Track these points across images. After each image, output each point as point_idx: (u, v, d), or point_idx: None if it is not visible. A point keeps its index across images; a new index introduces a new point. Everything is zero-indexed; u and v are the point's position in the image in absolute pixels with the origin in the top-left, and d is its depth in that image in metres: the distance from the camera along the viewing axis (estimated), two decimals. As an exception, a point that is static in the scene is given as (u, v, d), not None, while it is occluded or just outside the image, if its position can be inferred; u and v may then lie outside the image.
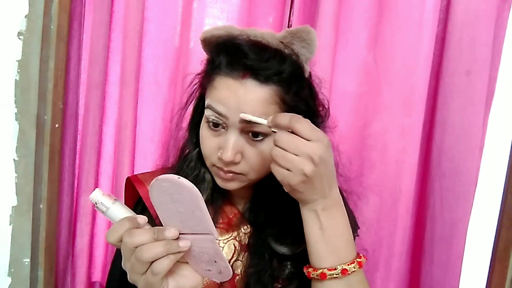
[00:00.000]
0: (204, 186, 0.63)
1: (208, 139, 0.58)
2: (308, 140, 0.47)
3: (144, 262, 0.44)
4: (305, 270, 0.55)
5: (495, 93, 1.02)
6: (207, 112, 0.57)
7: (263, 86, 0.53)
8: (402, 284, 1.11)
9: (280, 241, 0.60)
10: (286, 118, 0.49)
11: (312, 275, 0.53)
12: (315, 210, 0.51)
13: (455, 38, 0.98)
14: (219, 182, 0.59)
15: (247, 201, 0.66)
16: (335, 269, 0.51)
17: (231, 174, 0.57)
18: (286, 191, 0.51)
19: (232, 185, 0.59)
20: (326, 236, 0.51)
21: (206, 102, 0.57)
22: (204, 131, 0.58)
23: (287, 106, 0.56)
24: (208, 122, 0.57)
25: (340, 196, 0.54)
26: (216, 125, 0.56)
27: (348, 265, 0.51)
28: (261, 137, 0.55)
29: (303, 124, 0.48)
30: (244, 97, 0.53)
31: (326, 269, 0.51)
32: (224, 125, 0.56)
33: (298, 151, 0.47)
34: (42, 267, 1.00)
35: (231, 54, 0.55)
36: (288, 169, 0.48)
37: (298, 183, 0.48)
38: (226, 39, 0.57)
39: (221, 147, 0.56)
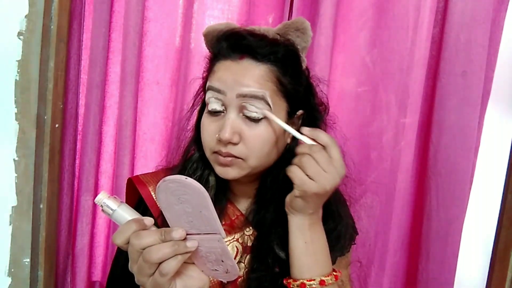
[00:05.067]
0: (208, 187, 0.63)
1: (207, 125, 0.58)
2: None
3: (152, 263, 0.45)
4: (285, 282, 0.58)
5: (491, 93, 1.04)
6: (207, 96, 0.58)
7: (260, 64, 0.56)
8: (399, 280, 1.13)
9: (283, 246, 0.61)
10: (327, 136, 0.54)
11: (292, 285, 0.57)
12: (303, 225, 0.56)
13: (452, 39, 1.00)
14: (218, 170, 0.59)
15: (250, 202, 0.66)
16: (314, 280, 0.56)
17: (230, 158, 0.57)
18: (296, 195, 0.54)
19: (231, 172, 0.58)
20: (310, 249, 0.56)
21: (206, 87, 0.59)
22: (205, 119, 0.59)
23: (285, 88, 0.57)
24: (209, 110, 0.58)
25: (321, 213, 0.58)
26: (216, 111, 0.57)
27: (326, 276, 0.56)
28: (260, 119, 0.56)
29: (337, 148, 0.53)
30: (241, 73, 0.55)
31: (305, 280, 0.56)
32: (223, 107, 0.56)
33: (327, 168, 0.52)
34: (42, 267, 1.00)
35: (230, 39, 0.58)
36: (311, 178, 0.52)
37: (313, 193, 0.52)
38: (226, 30, 0.60)
39: (220, 130, 0.56)
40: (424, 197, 1.07)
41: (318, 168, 0.51)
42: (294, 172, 0.53)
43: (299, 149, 0.54)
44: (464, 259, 1.07)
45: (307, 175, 0.52)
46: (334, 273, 0.58)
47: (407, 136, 1.05)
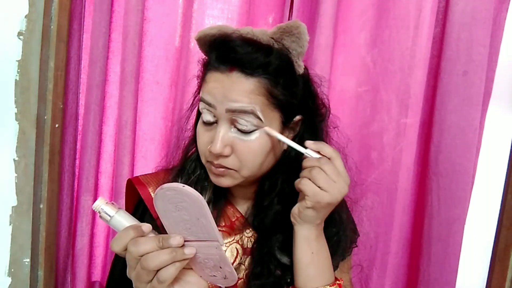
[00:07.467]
0: (206, 186, 0.63)
1: (202, 134, 0.58)
2: None
3: (150, 270, 0.45)
4: None
5: (492, 93, 1.04)
6: (200, 106, 0.58)
7: (249, 78, 0.54)
8: (400, 281, 1.13)
9: (284, 250, 0.61)
10: (331, 149, 0.56)
11: None
12: (310, 236, 0.57)
13: (453, 38, 0.99)
14: (212, 178, 0.59)
15: (249, 204, 0.66)
16: None
17: (222, 169, 0.57)
18: (308, 206, 0.55)
19: (224, 181, 0.58)
20: (316, 260, 0.57)
21: (200, 97, 0.58)
22: (199, 127, 0.59)
23: (277, 99, 0.56)
24: (202, 119, 0.58)
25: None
26: (209, 121, 0.57)
27: (331, 286, 0.58)
28: (251, 131, 0.56)
29: (341, 160, 0.56)
30: (229, 87, 0.54)
31: None
32: (215, 118, 0.56)
33: (336, 179, 0.54)
34: (42, 267, 1.00)
35: (220, 50, 0.56)
36: (323, 189, 0.53)
37: (326, 203, 0.54)
38: (218, 37, 0.58)
39: (212, 141, 0.56)
40: (425, 198, 1.07)
41: (328, 179, 0.53)
42: (305, 184, 0.54)
43: (307, 163, 0.55)
44: (465, 260, 1.07)
45: (319, 187, 0.53)
46: (338, 281, 0.59)
47: (408, 136, 1.04)
